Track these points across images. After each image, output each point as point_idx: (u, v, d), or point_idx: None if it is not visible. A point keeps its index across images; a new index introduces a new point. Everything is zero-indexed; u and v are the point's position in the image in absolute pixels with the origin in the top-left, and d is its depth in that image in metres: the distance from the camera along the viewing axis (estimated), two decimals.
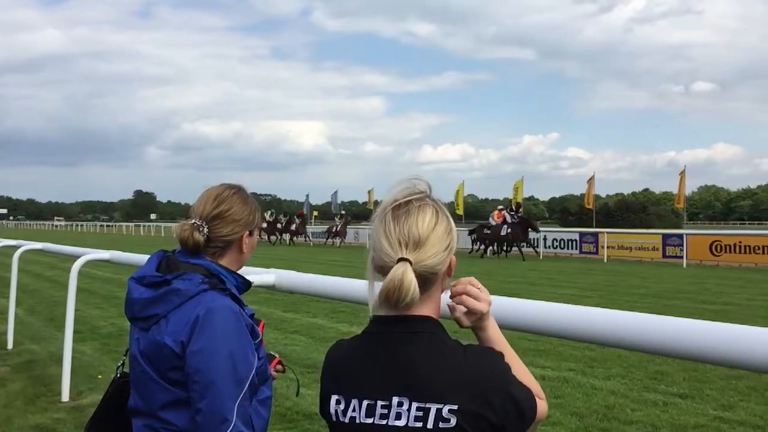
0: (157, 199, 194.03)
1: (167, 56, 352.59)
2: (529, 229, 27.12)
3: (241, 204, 1.98)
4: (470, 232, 28.69)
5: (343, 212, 41.56)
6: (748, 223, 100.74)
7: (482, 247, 27.81)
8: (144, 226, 72.91)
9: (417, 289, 1.30)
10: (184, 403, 1.77)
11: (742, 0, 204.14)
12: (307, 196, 57.00)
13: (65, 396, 5.89)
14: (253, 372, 1.80)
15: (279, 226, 39.80)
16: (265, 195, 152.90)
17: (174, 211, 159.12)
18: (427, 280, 1.34)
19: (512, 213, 27.45)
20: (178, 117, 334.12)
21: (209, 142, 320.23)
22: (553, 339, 5.97)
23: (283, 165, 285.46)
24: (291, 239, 39.62)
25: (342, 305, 10.03)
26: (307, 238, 40.40)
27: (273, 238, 39.81)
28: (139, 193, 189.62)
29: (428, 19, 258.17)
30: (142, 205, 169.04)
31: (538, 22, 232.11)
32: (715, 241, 23.31)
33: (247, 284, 2.01)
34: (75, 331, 6.33)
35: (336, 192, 51.87)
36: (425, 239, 1.34)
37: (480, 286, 1.46)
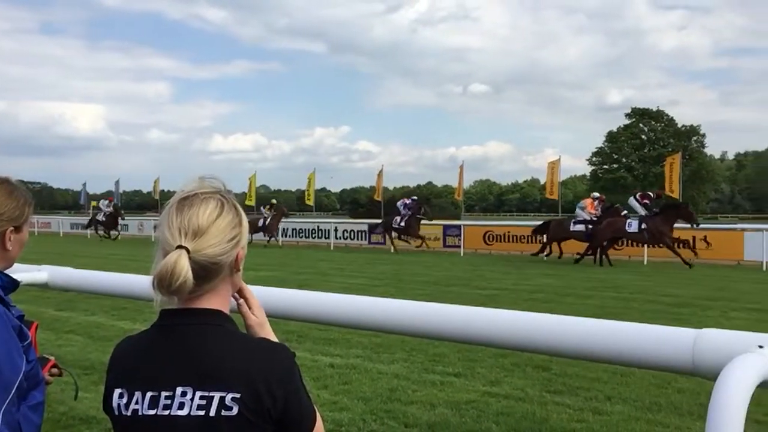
0: None
1: None
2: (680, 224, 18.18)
3: (5, 197, 1.83)
4: (537, 230, 22.14)
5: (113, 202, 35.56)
6: (516, 215, 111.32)
7: (547, 248, 21.07)
8: None
9: (189, 276, 1.31)
10: None
11: (512, 10, 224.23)
12: (84, 184, 53.60)
13: None
14: (20, 376, 1.67)
15: (261, 222, 28.92)
16: (35, 183, 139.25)
17: None
18: (209, 270, 1.36)
19: (647, 203, 19.20)
20: None
21: None
22: (342, 327, 6.17)
23: (56, 150, 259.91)
24: (270, 239, 29.11)
25: (124, 301, 9.49)
26: (273, 237, 29.44)
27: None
28: None
29: (218, 4, 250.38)
30: None
31: (329, 17, 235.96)
32: (488, 231, 25.51)
33: (14, 283, 1.86)
34: None
35: (118, 181, 48.88)
36: (205, 229, 1.36)
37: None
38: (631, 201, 19.60)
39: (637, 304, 11.05)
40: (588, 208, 20.42)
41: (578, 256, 19.34)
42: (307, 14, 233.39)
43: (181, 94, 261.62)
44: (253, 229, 28.87)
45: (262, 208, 30.61)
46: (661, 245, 18.13)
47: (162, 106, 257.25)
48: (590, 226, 19.73)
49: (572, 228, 20.25)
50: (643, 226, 18.21)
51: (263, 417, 1.32)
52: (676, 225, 18.20)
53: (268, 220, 28.91)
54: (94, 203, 54.11)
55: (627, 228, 18.57)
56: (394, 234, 25.66)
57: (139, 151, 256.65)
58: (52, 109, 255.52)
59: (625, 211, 20.05)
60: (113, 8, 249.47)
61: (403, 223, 25.11)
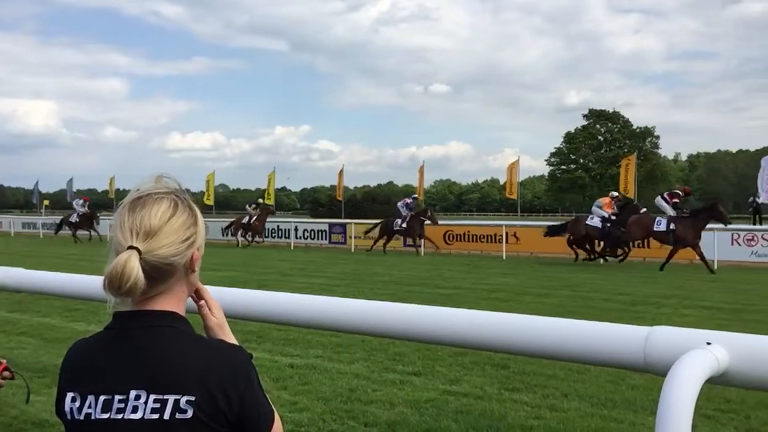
0: None
1: None
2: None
3: None
4: (551, 231, 20.62)
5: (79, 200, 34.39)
6: (476, 215, 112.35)
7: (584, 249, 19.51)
8: None
9: (140, 277, 1.30)
10: None
11: (472, 11, 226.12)
12: (37, 182, 52.72)
13: None
14: None
15: (246, 220, 28.05)
16: None
17: None
18: (162, 271, 1.35)
19: (677, 202, 18.09)
20: None
21: None
22: (302, 328, 6.15)
23: (7, 148, 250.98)
24: (254, 238, 28.03)
25: (77, 303, 9.29)
26: (258, 237, 28.25)
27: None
28: None
29: (175, 0, 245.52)
30: None
31: (289, 15, 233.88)
32: (448, 230, 25.63)
33: None
34: None
35: (71, 179, 47.97)
36: (157, 229, 1.35)
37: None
38: (659, 201, 18.38)
39: (593, 302, 11.25)
40: (605, 207, 19.42)
41: (621, 254, 18.71)
42: (267, 12, 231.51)
43: (137, 91, 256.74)
44: (238, 227, 28.63)
45: (247, 206, 29.36)
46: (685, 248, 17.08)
47: (118, 103, 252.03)
48: (608, 224, 18.83)
49: (588, 222, 19.27)
50: (672, 227, 17.20)
51: (219, 419, 1.31)
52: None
53: (253, 219, 27.77)
54: (46, 202, 52.94)
55: (656, 226, 17.61)
56: (390, 236, 24.32)
57: (93, 149, 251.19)
58: (2, 106, 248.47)
59: (645, 209, 19.29)
60: (67, 3, 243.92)
61: (404, 225, 23.58)
